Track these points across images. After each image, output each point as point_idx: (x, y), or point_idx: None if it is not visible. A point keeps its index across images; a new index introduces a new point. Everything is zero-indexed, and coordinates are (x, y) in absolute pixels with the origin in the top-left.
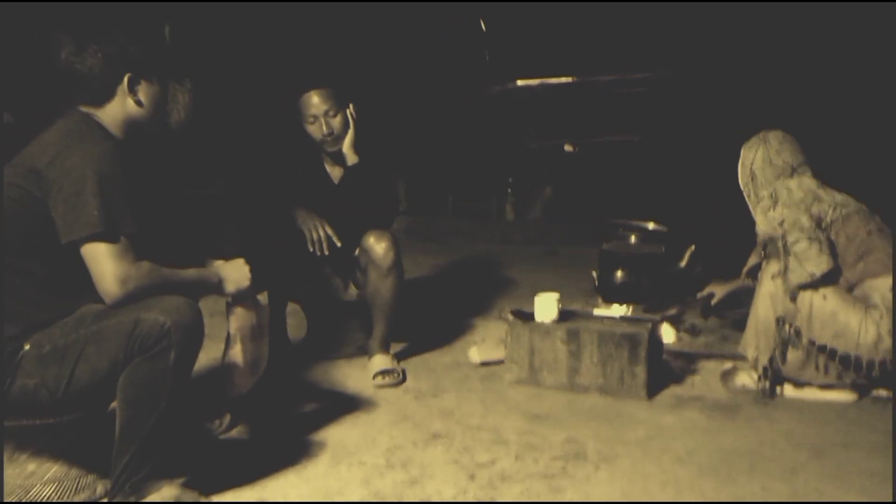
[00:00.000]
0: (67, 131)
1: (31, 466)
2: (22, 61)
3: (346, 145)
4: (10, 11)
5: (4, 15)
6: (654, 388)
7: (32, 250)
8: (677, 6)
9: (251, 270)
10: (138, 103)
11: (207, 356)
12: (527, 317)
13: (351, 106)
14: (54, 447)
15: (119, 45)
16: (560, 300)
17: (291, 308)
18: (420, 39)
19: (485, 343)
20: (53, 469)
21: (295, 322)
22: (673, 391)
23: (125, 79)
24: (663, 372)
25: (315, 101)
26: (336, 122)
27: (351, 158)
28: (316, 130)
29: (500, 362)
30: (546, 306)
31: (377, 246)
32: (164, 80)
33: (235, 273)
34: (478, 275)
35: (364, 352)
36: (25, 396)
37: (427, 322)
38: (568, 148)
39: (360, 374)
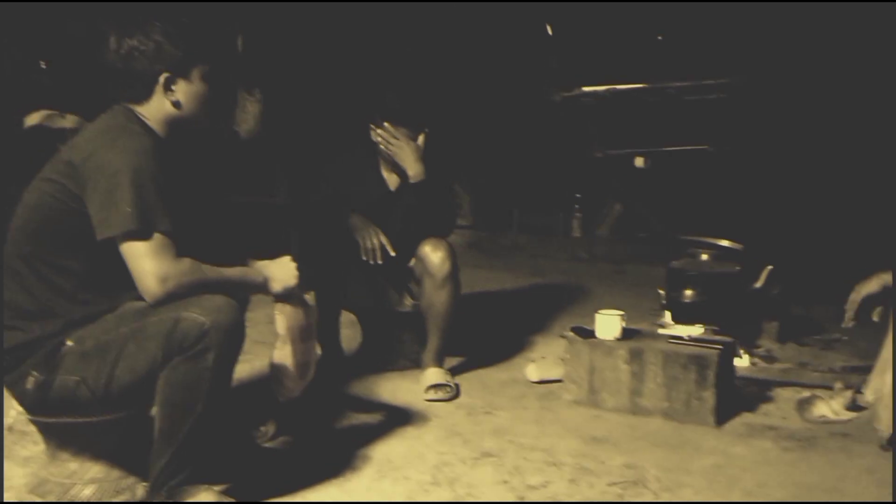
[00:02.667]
0: (107, 127)
1: (73, 466)
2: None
3: (411, 164)
4: (81, 10)
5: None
6: (723, 414)
7: (71, 246)
8: (755, 7)
9: (298, 268)
10: (175, 104)
11: (252, 366)
12: (587, 334)
13: (422, 137)
14: (97, 447)
15: (156, 43)
16: (624, 318)
17: (347, 318)
18: (485, 47)
19: (543, 361)
20: (94, 469)
21: (352, 333)
22: (744, 419)
23: (161, 78)
24: (734, 398)
25: (387, 126)
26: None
27: (413, 175)
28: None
29: (558, 381)
30: (608, 324)
31: (433, 255)
32: (213, 79)
33: (282, 271)
34: (541, 291)
35: (418, 364)
36: (66, 393)
37: (485, 337)
38: (639, 163)
39: (412, 387)
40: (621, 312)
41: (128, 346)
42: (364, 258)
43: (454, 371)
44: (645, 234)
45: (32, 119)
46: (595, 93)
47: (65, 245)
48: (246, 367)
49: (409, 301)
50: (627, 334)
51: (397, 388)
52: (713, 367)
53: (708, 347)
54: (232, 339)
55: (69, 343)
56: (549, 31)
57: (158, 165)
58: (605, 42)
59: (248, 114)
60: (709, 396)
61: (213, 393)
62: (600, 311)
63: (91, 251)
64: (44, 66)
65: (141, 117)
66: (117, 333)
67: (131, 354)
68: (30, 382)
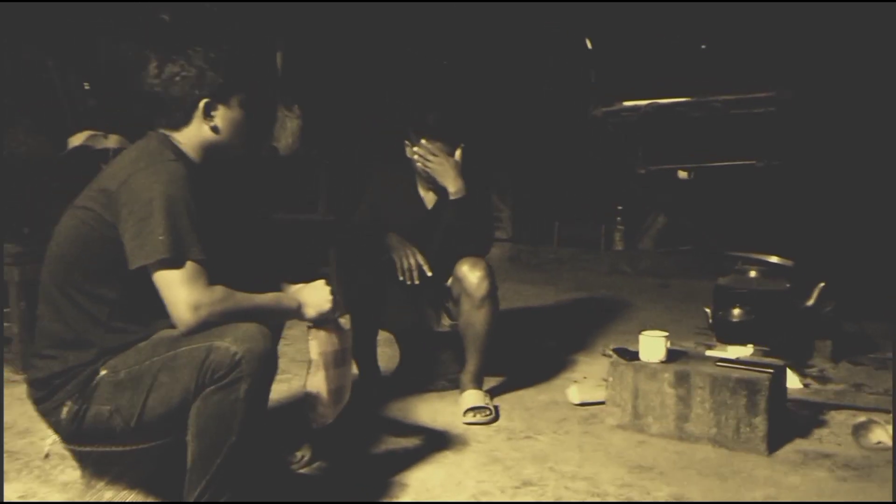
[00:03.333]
0: (141, 153)
1: (108, 494)
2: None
3: (451, 180)
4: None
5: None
6: (775, 441)
7: (105, 274)
8: (805, 16)
9: (332, 293)
10: (214, 129)
11: (289, 386)
12: (631, 356)
13: (459, 151)
14: (132, 475)
15: (197, 68)
16: (669, 339)
17: (385, 336)
18: (525, 62)
19: (586, 382)
20: (130, 497)
21: (391, 351)
22: (797, 446)
23: (201, 105)
24: (786, 423)
25: (423, 144)
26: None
27: (454, 192)
28: (419, 166)
29: (601, 403)
30: (653, 345)
31: (471, 275)
32: (250, 106)
33: (316, 296)
34: (582, 307)
35: (456, 385)
36: (100, 423)
37: (525, 356)
38: (682, 174)
39: (450, 410)
40: (666, 333)
41: (160, 375)
42: (401, 278)
43: (493, 392)
44: (689, 246)
45: (76, 140)
46: (636, 108)
47: (100, 273)
48: (283, 386)
49: (446, 321)
50: (673, 356)
51: (436, 411)
52: (764, 392)
53: (759, 371)
54: (265, 368)
55: (103, 372)
56: (589, 45)
57: (192, 193)
58: (646, 55)
59: (287, 130)
60: (760, 423)
61: (246, 423)
62: (644, 332)
63: (125, 280)
64: (87, 87)
65: (176, 144)
66: (150, 363)
67: (164, 384)
68: (64, 412)
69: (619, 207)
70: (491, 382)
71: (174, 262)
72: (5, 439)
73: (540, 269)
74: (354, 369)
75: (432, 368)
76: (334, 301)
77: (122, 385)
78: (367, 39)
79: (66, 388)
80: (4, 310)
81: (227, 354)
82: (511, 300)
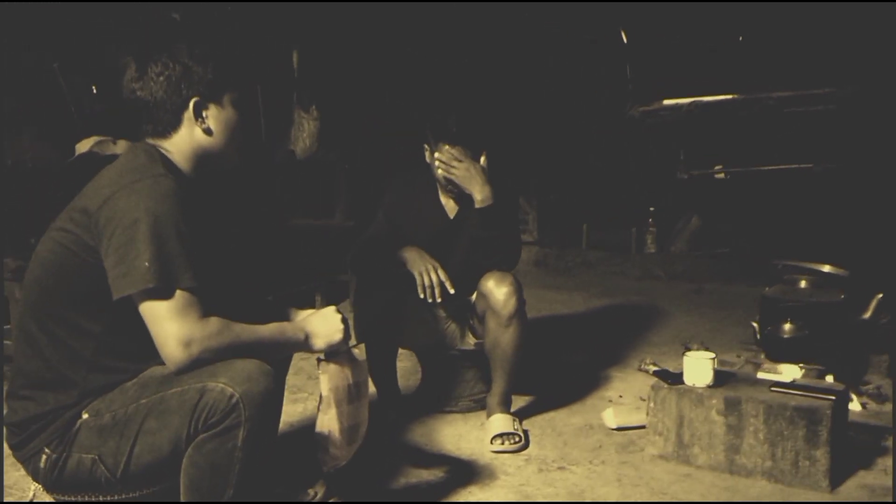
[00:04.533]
0: (126, 168)
1: None
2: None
3: (479, 187)
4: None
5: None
6: (838, 475)
7: (87, 305)
8: (868, 4)
9: (343, 320)
10: (207, 132)
11: (305, 407)
12: (674, 379)
13: (483, 157)
14: None
15: (183, 65)
16: (716, 360)
17: (404, 352)
18: (554, 55)
19: (622, 402)
20: None
21: (411, 364)
22: (861, 479)
23: (191, 104)
24: (848, 453)
25: (445, 149)
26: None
27: (481, 200)
28: (439, 174)
29: (640, 427)
30: (699, 368)
31: (497, 291)
32: (244, 106)
33: (325, 326)
34: (613, 315)
35: (482, 406)
36: (82, 473)
37: (554, 372)
38: (719, 174)
39: (476, 434)
40: (712, 355)
41: (147, 421)
42: (421, 296)
43: (522, 414)
44: (725, 249)
45: (83, 146)
46: (678, 106)
47: (81, 304)
48: (297, 408)
49: (471, 338)
50: (721, 379)
51: (460, 436)
52: (826, 421)
53: (819, 398)
54: (266, 411)
55: (85, 416)
56: (624, 39)
57: (183, 211)
58: (688, 49)
59: (304, 132)
60: (821, 456)
61: (244, 474)
62: (689, 353)
63: (111, 311)
64: (94, 91)
65: (166, 154)
66: (137, 406)
67: (152, 430)
68: (42, 460)
69: (651, 209)
70: (518, 402)
71: (162, 292)
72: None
73: (567, 273)
74: (372, 388)
75: (455, 388)
76: (346, 330)
77: (106, 431)
78: (386, 37)
79: (44, 434)
80: (5, 327)
81: (221, 397)
82: (537, 307)
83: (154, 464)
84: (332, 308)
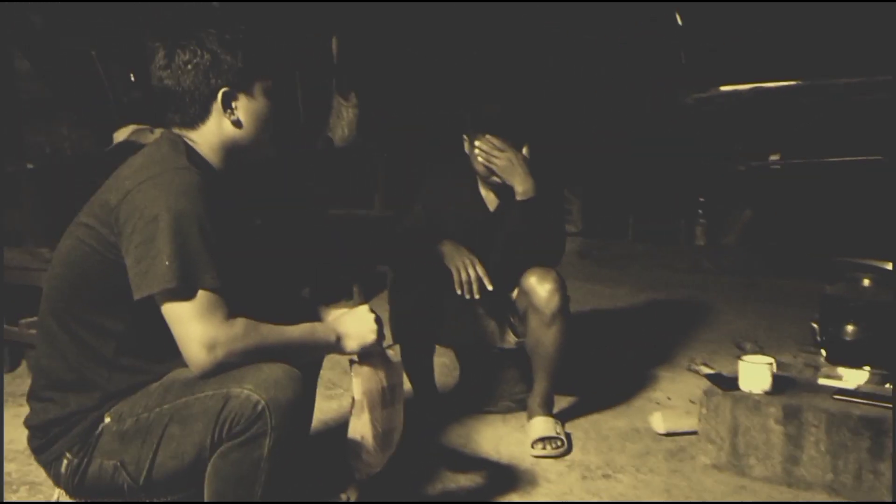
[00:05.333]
0: (149, 160)
1: None
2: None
3: (521, 178)
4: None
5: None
6: None
7: (109, 304)
8: None
9: (377, 320)
10: (236, 123)
11: (340, 404)
12: (728, 384)
13: (526, 148)
14: None
15: (212, 53)
16: (774, 365)
17: (443, 349)
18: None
19: (671, 404)
20: None
21: (450, 361)
22: None
23: (219, 95)
24: None
25: (486, 138)
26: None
27: (522, 192)
28: (480, 167)
29: (690, 433)
30: (755, 374)
31: (539, 288)
32: (276, 96)
33: (358, 326)
34: (661, 310)
35: (523, 407)
36: (104, 479)
37: (599, 370)
38: (774, 161)
39: (515, 437)
40: (770, 360)
41: (170, 427)
42: (458, 292)
43: (565, 416)
44: (778, 242)
45: (121, 134)
46: (735, 93)
47: (103, 303)
48: (332, 404)
49: (511, 337)
50: (779, 385)
51: (500, 438)
52: (891, 432)
53: (886, 407)
54: (293, 420)
55: (107, 420)
56: (679, 21)
57: (206, 206)
58: (747, 32)
59: (343, 120)
60: (886, 470)
61: (271, 486)
62: (746, 356)
63: (133, 310)
64: (133, 79)
65: (192, 146)
66: (160, 411)
67: (174, 438)
68: (64, 465)
69: (701, 199)
70: (560, 403)
71: (183, 293)
72: (29, 466)
73: (613, 266)
74: (408, 386)
75: (495, 388)
76: (379, 331)
77: (128, 436)
78: (428, 23)
79: (66, 438)
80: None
81: (247, 404)
82: (581, 301)
83: (177, 471)
84: (365, 307)
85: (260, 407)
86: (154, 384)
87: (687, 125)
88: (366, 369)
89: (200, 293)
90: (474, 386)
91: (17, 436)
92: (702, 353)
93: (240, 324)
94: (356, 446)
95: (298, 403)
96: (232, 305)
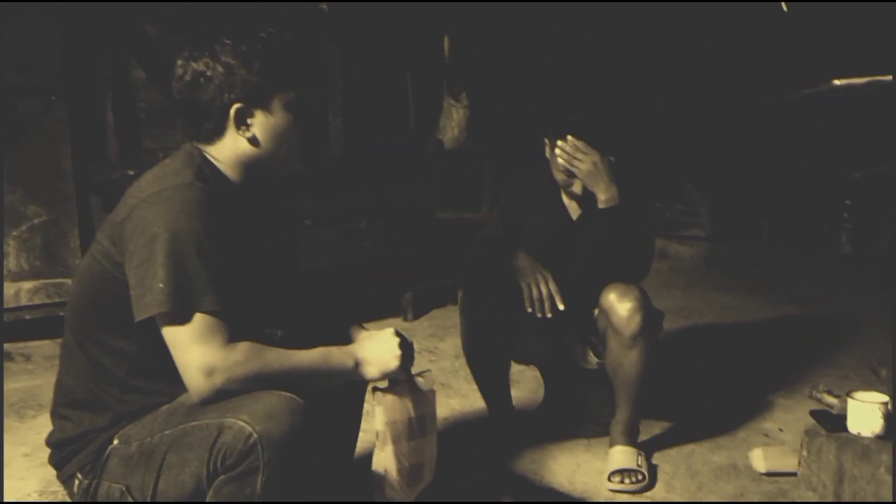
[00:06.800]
0: (158, 174)
1: None
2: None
3: (604, 185)
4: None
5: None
6: None
7: (120, 324)
8: None
9: (402, 345)
10: (252, 141)
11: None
12: (834, 424)
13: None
14: None
15: (225, 66)
16: (889, 403)
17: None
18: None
19: (781, 437)
20: None
21: (533, 374)
22: None
23: (231, 111)
24: None
25: (569, 140)
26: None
27: (606, 199)
28: (559, 172)
29: (794, 475)
30: (866, 414)
31: (619, 306)
32: (300, 108)
33: (379, 351)
34: (794, 326)
35: (609, 431)
36: (113, 502)
37: (704, 393)
38: None
39: (596, 466)
40: (885, 399)
41: (170, 454)
42: (529, 310)
43: (654, 446)
44: None
45: None
46: (850, 87)
47: (114, 323)
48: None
49: (593, 358)
50: (894, 429)
51: (578, 465)
52: None
53: None
54: (288, 455)
55: (115, 442)
56: (784, 8)
57: (209, 224)
58: (862, 19)
59: (454, 121)
60: None
61: None
62: (855, 393)
63: (143, 331)
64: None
65: (211, 160)
66: (161, 437)
67: (173, 466)
68: (76, 485)
69: (847, 202)
70: (653, 429)
71: (179, 316)
72: None
73: (743, 275)
74: (478, 402)
75: (581, 409)
76: (404, 356)
77: (133, 461)
78: (541, 23)
79: (78, 458)
80: None
81: (239, 437)
82: (700, 313)
83: (180, 499)
84: (390, 330)
85: (252, 440)
86: (165, 406)
87: (804, 123)
88: (390, 398)
89: (197, 317)
90: (559, 406)
91: None
92: (829, 378)
93: (241, 349)
94: (380, 480)
95: (296, 437)
96: (235, 329)
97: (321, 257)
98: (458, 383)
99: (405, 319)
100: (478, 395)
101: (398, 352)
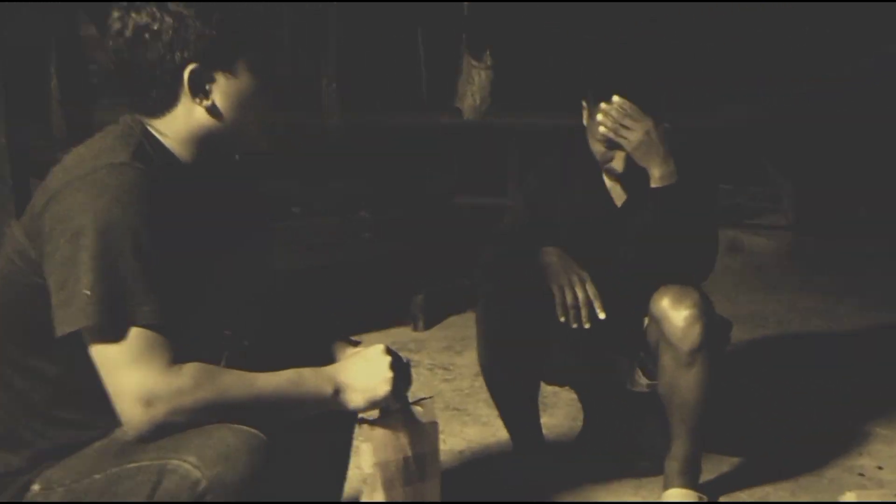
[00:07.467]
0: (87, 152)
1: None
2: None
3: (658, 159)
4: None
5: None
6: None
7: (41, 341)
8: None
9: (394, 366)
10: (211, 111)
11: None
12: None
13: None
14: None
15: (176, 17)
16: None
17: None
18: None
19: (880, 477)
20: None
21: (570, 395)
22: None
23: (186, 73)
24: None
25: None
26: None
27: (660, 176)
28: (597, 144)
29: None
30: None
31: (674, 314)
32: (264, 71)
33: (365, 374)
34: (890, 337)
35: (662, 469)
36: None
37: (784, 421)
38: None
39: None
40: None
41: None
42: (561, 319)
43: (718, 488)
44: None
45: None
46: None
47: (34, 338)
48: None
49: (643, 379)
50: None
51: None
52: None
53: None
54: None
55: (35, 487)
56: None
57: (148, 215)
58: None
59: (475, 85)
60: None
61: None
62: None
63: (67, 348)
64: None
65: (155, 135)
66: (90, 482)
67: None
68: None
69: None
70: (719, 465)
71: (109, 332)
72: None
73: (833, 270)
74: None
75: (628, 442)
76: (396, 380)
77: None
78: None
79: None
80: None
81: (183, 484)
82: (778, 320)
83: None
84: (379, 348)
85: (200, 488)
86: (97, 443)
87: None
88: (380, 433)
89: (133, 331)
90: (600, 437)
91: None
92: None
93: (188, 371)
94: None
95: (258, 483)
96: (181, 347)
97: (312, 253)
98: (478, 408)
99: (415, 329)
100: (501, 422)
101: (388, 374)
